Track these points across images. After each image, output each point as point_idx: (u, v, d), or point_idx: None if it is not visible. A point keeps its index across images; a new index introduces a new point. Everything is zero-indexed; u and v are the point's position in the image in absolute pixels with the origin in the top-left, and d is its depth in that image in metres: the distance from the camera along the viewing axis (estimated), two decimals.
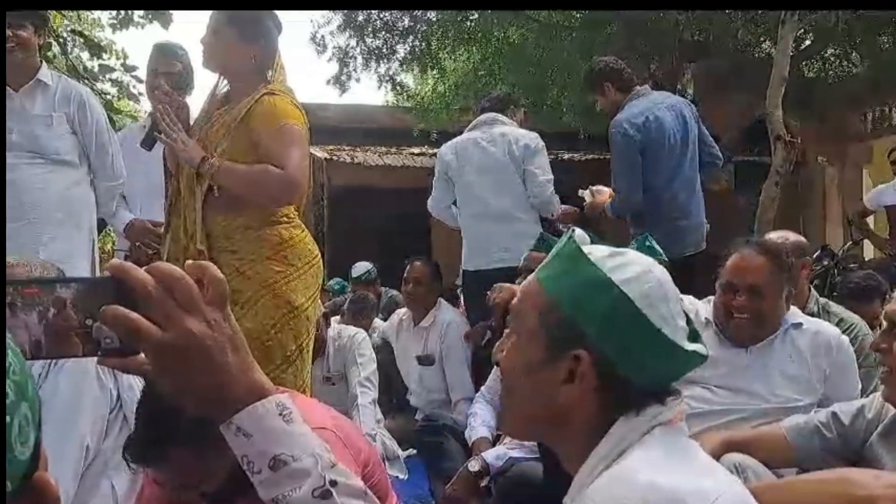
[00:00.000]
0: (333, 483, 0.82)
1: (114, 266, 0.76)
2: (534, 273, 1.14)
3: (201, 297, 0.79)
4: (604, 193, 3.93)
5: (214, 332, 0.78)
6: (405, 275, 4.24)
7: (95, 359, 0.79)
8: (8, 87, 3.15)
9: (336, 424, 1.72)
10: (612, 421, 1.04)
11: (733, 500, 0.98)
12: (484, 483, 2.85)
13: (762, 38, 8.62)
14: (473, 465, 2.87)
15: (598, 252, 1.09)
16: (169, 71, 3.33)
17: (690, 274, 3.46)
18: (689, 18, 7.82)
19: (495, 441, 3.16)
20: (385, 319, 5.20)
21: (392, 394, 4.29)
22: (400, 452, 3.62)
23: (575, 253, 1.09)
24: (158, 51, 3.46)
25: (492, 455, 2.89)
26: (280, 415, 0.82)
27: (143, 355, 0.78)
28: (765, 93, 6.31)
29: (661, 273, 1.09)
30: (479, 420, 3.18)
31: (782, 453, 2.05)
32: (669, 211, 3.75)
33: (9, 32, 3.07)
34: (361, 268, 5.75)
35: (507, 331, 1.16)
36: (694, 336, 1.08)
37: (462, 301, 4.84)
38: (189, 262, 0.81)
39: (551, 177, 4.03)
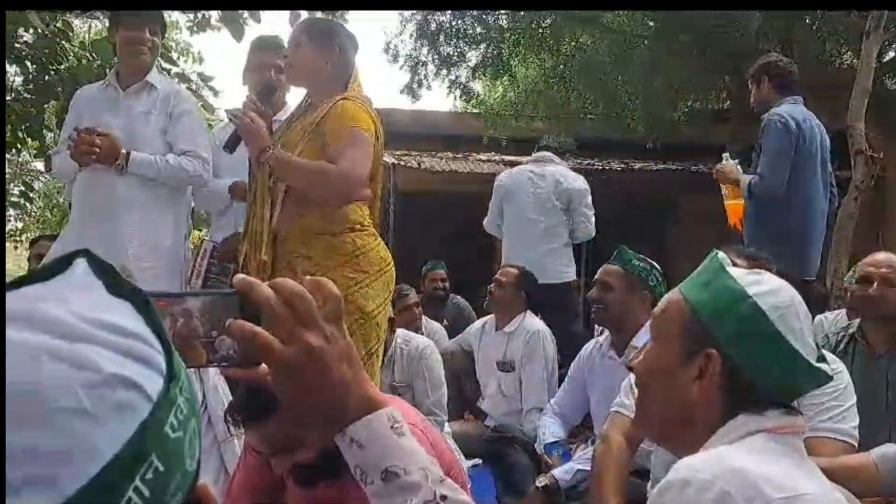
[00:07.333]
0: (444, 497, 0.82)
1: (240, 281, 0.78)
2: (678, 287, 1.29)
3: (319, 313, 0.80)
4: (731, 165, 3.99)
5: (331, 347, 0.80)
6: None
7: None
8: (116, 88, 3.22)
9: (425, 427, 1.74)
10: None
11: None
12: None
13: (844, 50, 8.38)
14: (542, 481, 2.86)
15: (737, 270, 1.23)
16: (268, 62, 3.23)
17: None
18: (770, 29, 7.66)
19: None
20: (450, 325, 5.20)
21: (463, 398, 4.26)
22: (464, 462, 3.60)
23: (717, 267, 1.23)
24: (255, 45, 3.39)
25: (560, 470, 2.88)
26: (392, 427, 0.83)
27: (263, 367, 0.80)
28: (845, 105, 6.13)
29: (795, 293, 1.21)
30: (549, 432, 3.16)
31: (871, 483, 1.98)
32: (800, 227, 3.73)
33: (146, 36, 3.14)
34: (436, 263, 5.77)
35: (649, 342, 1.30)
36: (821, 358, 1.18)
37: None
38: (307, 277, 0.83)
39: (592, 211, 4.86)
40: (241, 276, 0.79)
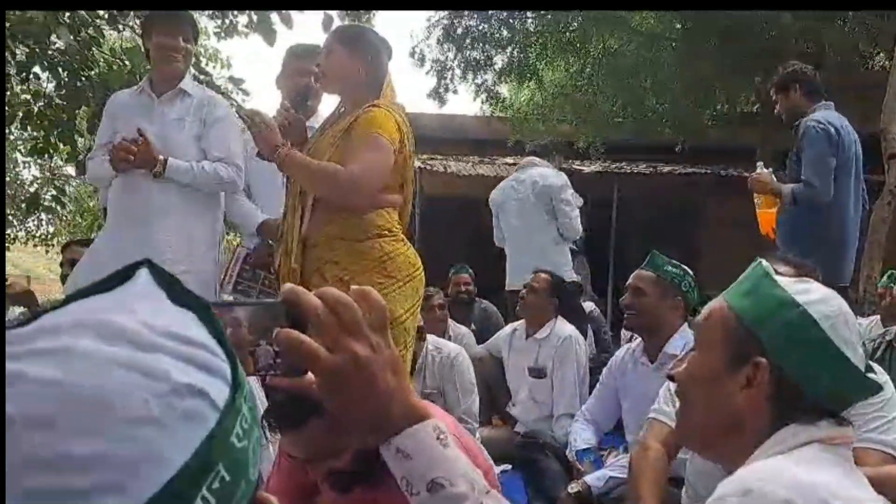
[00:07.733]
0: None
1: (287, 290, 0.78)
2: (721, 294, 1.26)
3: (364, 322, 0.80)
4: (767, 175, 3.95)
5: (377, 356, 0.80)
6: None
7: None
8: (150, 94, 3.23)
9: (458, 432, 1.74)
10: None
11: None
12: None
13: (876, 51, 8.27)
14: (574, 487, 2.84)
15: (784, 279, 1.20)
16: (306, 69, 3.16)
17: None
18: (800, 30, 7.57)
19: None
20: (477, 330, 5.19)
21: (493, 404, 4.24)
22: (495, 468, 3.59)
23: (762, 275, 1.21)
24: (292, 52, 3.38)
25: (592, 477, 2.86)
26: (437, 438, 0.83)
27: (310, 375, 0.80)
28: (877, 107, 6.05)
29: (843, 302, 1.19)
30: (580, 439, 3.15)
31: None
32: (837, 233, 3.69)
33: (179, 44, 3.15)
34: (461, 267, 5.79)
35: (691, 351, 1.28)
36: (868, 368, 1.17)
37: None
38: (353, 287, 0.83)
39: (576, 206, 4.89)
40: (288, 285, 0.79)
